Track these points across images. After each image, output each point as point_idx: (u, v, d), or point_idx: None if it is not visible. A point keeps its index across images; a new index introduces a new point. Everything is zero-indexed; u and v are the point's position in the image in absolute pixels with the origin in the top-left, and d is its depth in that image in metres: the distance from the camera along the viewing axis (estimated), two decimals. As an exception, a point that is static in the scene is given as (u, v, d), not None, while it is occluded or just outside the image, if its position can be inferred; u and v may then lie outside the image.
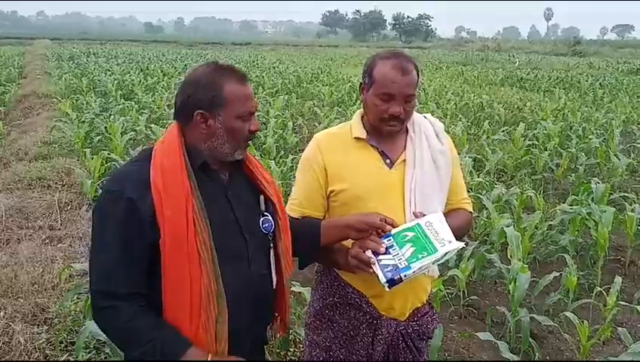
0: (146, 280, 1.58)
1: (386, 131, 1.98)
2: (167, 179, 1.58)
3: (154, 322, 1.57)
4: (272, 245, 1.80)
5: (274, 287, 1.81)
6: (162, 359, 1.53)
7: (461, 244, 1.82)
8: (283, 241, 1.81)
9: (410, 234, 1.81)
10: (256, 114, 1.71)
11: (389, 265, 1.76)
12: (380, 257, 1.78)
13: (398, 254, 1.77)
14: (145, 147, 1.77)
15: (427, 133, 2.07)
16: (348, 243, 1.90)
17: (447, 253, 1.78)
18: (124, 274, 1.56)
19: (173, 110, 1.75)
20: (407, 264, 1.75)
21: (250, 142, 1.73)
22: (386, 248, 1.79)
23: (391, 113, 1.92)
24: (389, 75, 1.91)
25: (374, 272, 1.78)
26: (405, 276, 1.74)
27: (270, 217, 1.79)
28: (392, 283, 1.74)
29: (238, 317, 1.64)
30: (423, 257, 1.76)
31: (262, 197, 1.80)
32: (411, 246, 1.78)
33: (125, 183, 1.58)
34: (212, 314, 1.58)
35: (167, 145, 1.65)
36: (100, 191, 1.66)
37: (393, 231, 1.82)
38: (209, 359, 1.57)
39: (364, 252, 1.80)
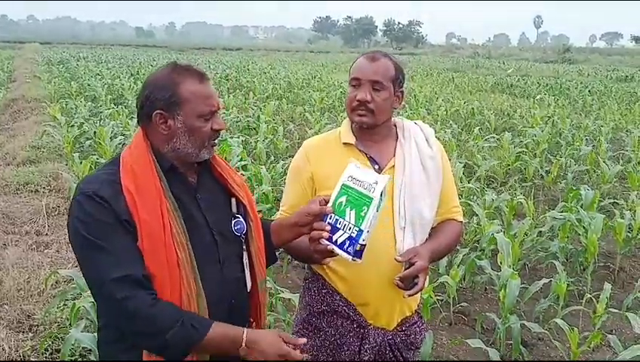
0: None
1: (356, 122, 1.99)
2: (140, 182, 1.56)
3: (172, 305, 1.54)
4: (244, 247, 1.78)
5: (248, 291, 1.79)
6: (194, 336, 1.52)
7: (387, 177, 1.81)
8: (255, 243, 1.79)
9: (343, 198, 1.79)
10: (220, 112, 1.68)
11: (344, 241, 1.75)
12: (335, 237, 1.75)
13: (346, 225, 1.76)
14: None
15: (417, 139, 2.06)
16: None
17: (381, 194, 1.77)
18: (132, 257, 1.52)
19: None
20: (358, 229, 1.74)
21: (216, 141, 1.69)
22: (333, 226, 1.76)
23: (358, 99, 1.94)
24: (358, 62, 2.01)
25: (336, 255, 1.76)
26: (364, 240, 1.73)
27: (242, 219, 1.77)
28: (357, 254, 1.73)
29: (215, 319, 1.61)
30: (365, 213, 1.74)
31: (233, 199, 1.79)
32: (351, 210, 1.77)
33: (98, 185, 1.55)
34: None
35: (134, 150, 1.63)
36: (75, 191, 1.61)
37: (329, 205, 1.80)
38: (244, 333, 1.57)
39: (319, 243, 1.77)
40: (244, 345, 1.56)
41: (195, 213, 1.66)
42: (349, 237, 1.74)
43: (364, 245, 1.73)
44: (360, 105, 1.95)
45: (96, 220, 1.52)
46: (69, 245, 4.86)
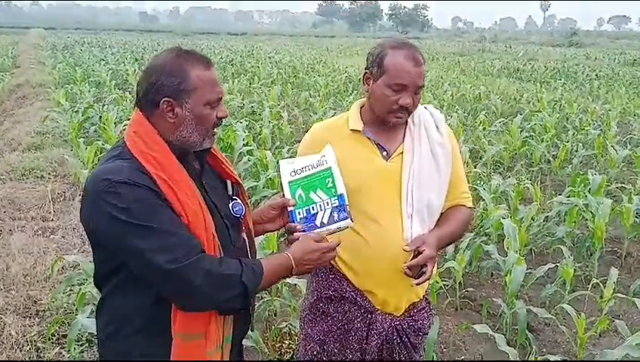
0: None
1: (392, 123, 1.95)
2: (167, 171, 1.53)
3: (226, 257, 1.59)
4: (243, 228, 1.79)
5: None
6: (258, 273, 1.58)
7: (328, 146, 1.89)
8: (249, 223, 1.82)
9: (299, 192, 1.81)
10: (223, 100, 1.65)
11: (330, 215, 1.76)
12: (317, 222, 1.76)
13: (320, 205, 1.78)
14: (113, 147, 1.66)
15: (427, 125, 2.03)
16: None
17: (331, 157, 1.84)
18: (186, 231, 1.52)
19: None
20: (336, 196, 1.77)
21: (216, 130, 1.66)
22: (308, 217, 1.77)
23: (401, 104, 1.89)
24: (402, 65, 1.88)
25: (333, 232, 1.77)
26: (347, 201, 1.77)
27: (239, 201, 1.77)
28: (350, 216, 1.76)
29: None
30: (332, 183, 1.79)
31: (228, 182, 1.78)
32: (314, 192, 1.79)
33: (127, 173, 1.50)
34: None
35: (145, 138, 1.57)
36: (99, 184, 1.50)
37: (290, 203, 1.80)
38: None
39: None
40: (294, 265, 1.65)
41: (207, 198, 1.64)
42: (334, 208, 1.76)
43: (348, 204, 1.78)
44: (401, 109, 1.91)
45: (141, 203, 1.47)
46: (75, 230, 4.92)
